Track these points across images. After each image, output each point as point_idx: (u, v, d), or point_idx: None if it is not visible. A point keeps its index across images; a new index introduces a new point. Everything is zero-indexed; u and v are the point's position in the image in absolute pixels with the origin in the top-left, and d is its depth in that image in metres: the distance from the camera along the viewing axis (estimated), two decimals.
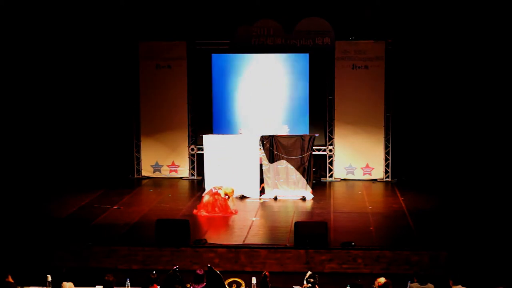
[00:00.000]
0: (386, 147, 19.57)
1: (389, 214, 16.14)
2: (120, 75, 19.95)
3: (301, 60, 19.45)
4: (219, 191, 16.47)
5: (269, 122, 19.54)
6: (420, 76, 19.33)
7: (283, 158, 17.70)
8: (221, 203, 16.24)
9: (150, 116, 19.99)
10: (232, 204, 16.68)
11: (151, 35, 19.69)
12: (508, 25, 18.32)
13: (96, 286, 10.61)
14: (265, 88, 19.67)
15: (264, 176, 17.89)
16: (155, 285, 10.12)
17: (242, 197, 17.70)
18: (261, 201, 17.50)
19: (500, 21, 18.39)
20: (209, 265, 10.30)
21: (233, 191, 16.93)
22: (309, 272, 10.21)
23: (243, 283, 11.35)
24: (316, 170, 19.33)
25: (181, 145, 20.12)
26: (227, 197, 16.63)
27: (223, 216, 16.06)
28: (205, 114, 19.98)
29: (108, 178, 19.46)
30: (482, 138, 18.90)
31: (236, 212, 16.27)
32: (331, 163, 19.87)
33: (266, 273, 10.05)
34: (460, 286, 10.00)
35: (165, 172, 20.19)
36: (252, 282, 10.65)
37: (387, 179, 19.56)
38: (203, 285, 9.93)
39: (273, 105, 19.74)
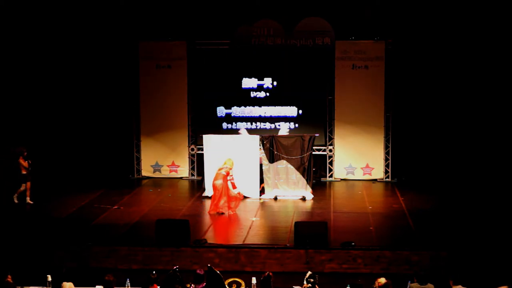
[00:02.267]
0: (386, 147, 19.57)
1: (389, 214, 16.14)
2: (120, 75, 19.95)
3: None
4: (227, 170, 16.46)
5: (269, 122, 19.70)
6: (420, 76, 19.32)
7: (283, 158, 17.70)
8: (231, 193, 16.44)
9: (150, 116, 20.00)
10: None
11: (151, 35, 19.69)
12: (508, 25, 18.31)
13: (96, 286, 10.61)
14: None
15: (264, 176, 17.89)
16: (155, 285, 10.11)
17: (242, 197, 17.69)
18: (261, 201, 17.50)
19: (500, 21, 18.38)
20: (209, 265, 10.28)
21: (233, 163, 16.85)
22: (309, 272, 10.19)
23: (243, 283, 11.34)
24: (316, 170, 19.33)
25: (181, 145, 20.12)
26: (230, 177, 16.66)
27: (230, 201, 16.24)
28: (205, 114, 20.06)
29: (108, 178, 19.46)
30: (482, 138, 18.90)
31: (241, 196, 16.60)
32: (331, 163, 19.87)
33: (270, 273, 10.01)
34: (460, 286, 10.00)
35: (165, 172, 20.19)
36: (252, 282, 10.64)
37: (387, 179, 19.55)
38: (203, 285, 9.92)
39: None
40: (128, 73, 19.84)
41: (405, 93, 19.41)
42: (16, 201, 17.00)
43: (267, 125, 19.84)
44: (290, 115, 19.81)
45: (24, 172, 16.97)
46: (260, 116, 19.89)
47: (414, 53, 19.21)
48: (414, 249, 13.21)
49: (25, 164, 16.97)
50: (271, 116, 19.88)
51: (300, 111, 19.80)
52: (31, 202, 17.02)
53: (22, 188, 17.03)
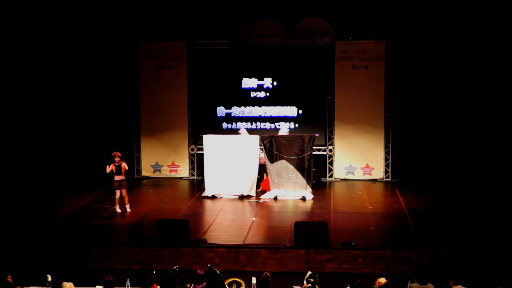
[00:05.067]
0: (386, 147, 19.57)
1: (389, 214, 16.14)
2: (120, 75, 19.95)
3: None
4: None
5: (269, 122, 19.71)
6: (420, 76, 19.32)
7: (283, 158, 17.69)
8: None
9: (150, 116, 20.01)
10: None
11: (151, 35, 19.69)
12: (508, 25, 18.30)
13: (96, 286, 10.60)
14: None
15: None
16: (155, 285, 10.12)
17: (242, 197, 17.70)
18: (261, 201, 17.50)
19: (500, 21, 18.37)
20: (209, 265, 10.28)
21: None
22: (309, 272, 10.19)
23: (243, 283, 11.33)
24: (316, 170, 19.31)
25: (181, 145, 20.13)
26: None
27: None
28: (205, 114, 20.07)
29: (108, 178, 19.42)
30: (481, 138, 18.89)
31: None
32: (331, 163, 19.87)
33: (267, 273, 10.03)
34: (460, 286, 10.00)
35: (165, 172, 20.20)
36: (252, 282, 10.65)
37: (387, 179, 19.56)
38: (203, 285, 9.92)
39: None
40: (128, 73, 19.84)
41: (405, 93, 19.41)
42: (118, 210, 16.26)
43: (267, 125, 19.85)
44: (290, 115, 19.81)
45: (115, 178, 16.21)
46: (260, 116, 19.90)
47: (414, 53, 19.20)
48: (414, 249, 13.21)
49: (110, 168, 16.11)
50: (271, 116, 19.89)
51: (300, 111, 19.80)
52: (129, 210, 16.32)
53: (117, 195, 16.27)
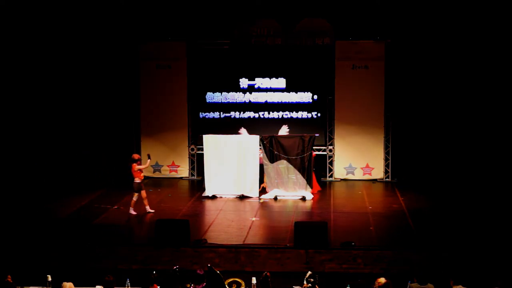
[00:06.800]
0: (386, 147, 19.57)
1: (389, 214, 16.14)
2: (120, 75, 19.93)
3: None
4: None
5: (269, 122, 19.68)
6: (420, 76, 19.30)
7: (283, 158, 17.68)
8: None
9: (150, 116, 20.01)
10: None
11: (151, 35, 19.69)
12: (508, 25, 18.29)
13: (96, 286, 10.60)
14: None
15: (265, 176, 17.90)
16: (155, 285, 10.12)
17: (242, 197, 17.71)
18: (261, 201, 17.50)
19: (500, 21, 18.36)
20: (209, 265, 10.28)
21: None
22: (309, 272, 10.20)
23: (243, 283, 11.33)
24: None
25: (181, 145, 20.13)
26: None
27: None
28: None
29: (108, 178, 19.46)
30: (482, 137, 18.86)
31: None
32: (331, 163, 19.86)
33: (267, 274, 10.04)
34: (460, 286, 10.00)
35: (165, 172, 20.20)
36: (252, 282, 10.65)
37: (387, 179, 19.55)
38: (203, 285, 9.92)
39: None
40: (129, 73, 19.84)
41: (405, 93, 19.40)
42: (133, 213, 16.02)
43: (268, 126, 19.75)
44: (291, 116, 19.78)
45: (137, 181, 16.01)
46: (260, 117, 19.87)
47: (414, 53, 19.18)
48: (414, 249, 13.21)
49: (137, 173, 15.99)
50: (272, 117, 19.84)
51: (301, 112, 19.77)
52: (152, 211, 16.14)
53: (134, 198, 16.04)
